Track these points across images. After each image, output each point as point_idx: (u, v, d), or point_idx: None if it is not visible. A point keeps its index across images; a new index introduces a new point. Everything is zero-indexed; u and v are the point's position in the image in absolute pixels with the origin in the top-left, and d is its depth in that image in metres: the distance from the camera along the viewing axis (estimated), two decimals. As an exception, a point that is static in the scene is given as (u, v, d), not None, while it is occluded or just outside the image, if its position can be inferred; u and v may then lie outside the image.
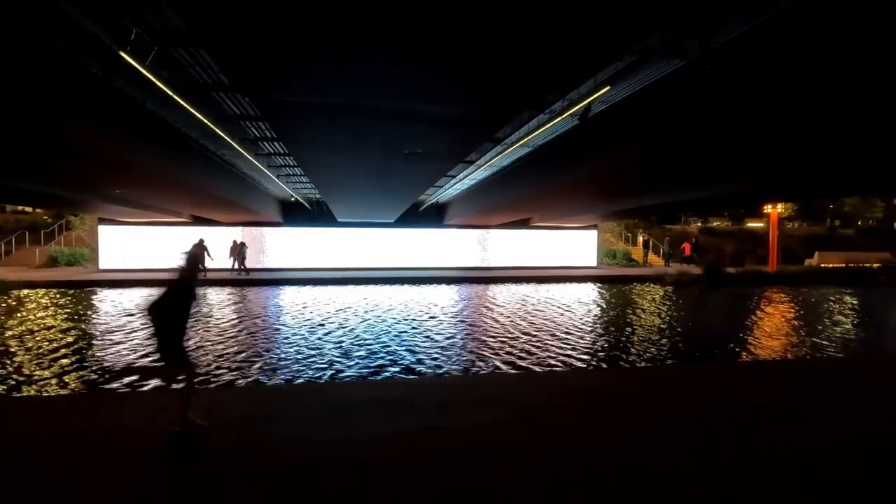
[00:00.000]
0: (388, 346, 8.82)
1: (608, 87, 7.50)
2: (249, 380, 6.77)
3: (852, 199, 36.93)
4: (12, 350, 8.19)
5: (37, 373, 6.97)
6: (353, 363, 7.72)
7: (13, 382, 6.53)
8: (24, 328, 9.97)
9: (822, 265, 26.46)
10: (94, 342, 8.88)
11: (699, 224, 38.24)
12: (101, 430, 3.75)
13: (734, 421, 4.07)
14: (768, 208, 26.25)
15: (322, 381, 6.79)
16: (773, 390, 5.04)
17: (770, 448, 3.55)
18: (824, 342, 9.72)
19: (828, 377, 5.79)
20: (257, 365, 7.49)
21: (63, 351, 8.16)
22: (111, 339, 9.01)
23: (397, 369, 7.43)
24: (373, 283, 19.18)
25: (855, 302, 15.73)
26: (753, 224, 37.41)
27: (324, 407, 4.30)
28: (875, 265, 25.97)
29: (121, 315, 11.66)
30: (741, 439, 3.69)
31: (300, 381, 6.83)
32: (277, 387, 6.35)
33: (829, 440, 3.76)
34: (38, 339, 9.02)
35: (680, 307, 14.36)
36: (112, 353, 8.06)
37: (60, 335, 9.30)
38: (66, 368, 7.19)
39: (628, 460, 3.34)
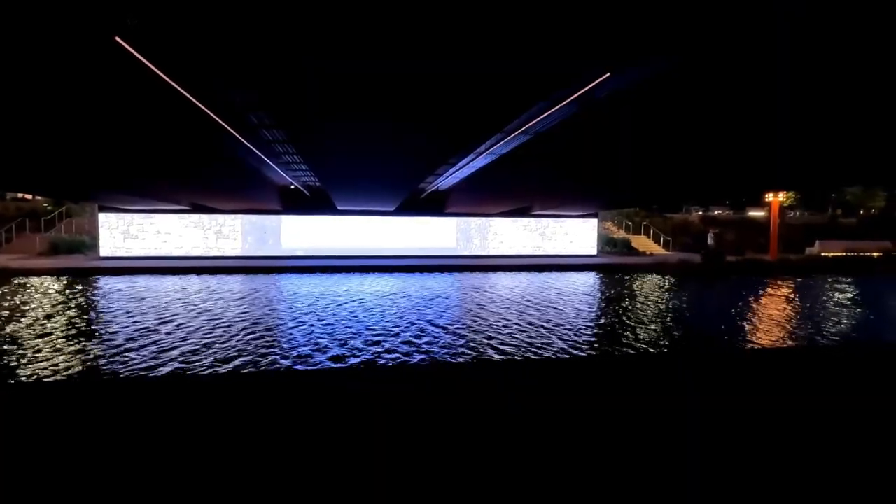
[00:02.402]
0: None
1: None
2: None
3: (854, 188, 36.80)
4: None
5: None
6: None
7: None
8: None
9: (823, 254, 26.47)
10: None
11: (700, 213, 38.11)
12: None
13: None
14: (769, 197, 26.12)
15: (316, 369, 6.85)
16: (771, 383, 5.06)
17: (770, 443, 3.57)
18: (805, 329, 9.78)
19: (825, 371, 5.80)
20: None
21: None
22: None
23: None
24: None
25: (848, 288, 15.78)
26: (755, 213, 37.30)
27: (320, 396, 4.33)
28: (876, 254, 25.97)
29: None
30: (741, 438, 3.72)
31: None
32: (266, 373, 6.40)
33: (829, 439, 3.78)
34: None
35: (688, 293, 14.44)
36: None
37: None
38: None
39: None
